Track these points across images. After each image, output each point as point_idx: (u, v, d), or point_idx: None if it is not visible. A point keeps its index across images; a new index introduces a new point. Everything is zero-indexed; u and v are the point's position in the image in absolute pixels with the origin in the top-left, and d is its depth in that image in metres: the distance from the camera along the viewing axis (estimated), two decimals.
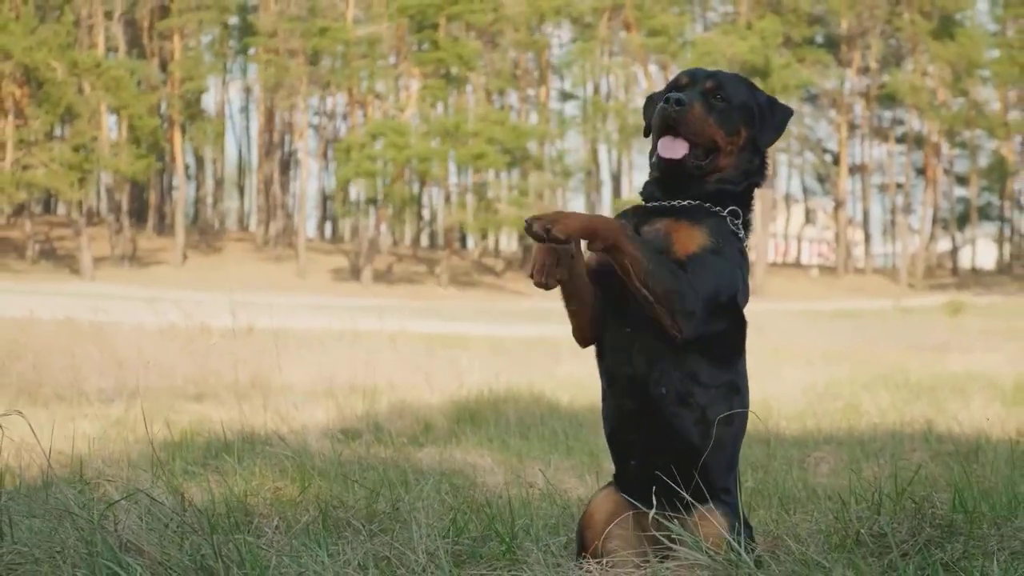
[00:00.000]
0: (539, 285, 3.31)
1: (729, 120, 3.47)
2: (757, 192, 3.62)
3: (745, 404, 3.47)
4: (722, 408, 3.37)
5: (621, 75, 73.95)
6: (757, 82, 3.69)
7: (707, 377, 3.36)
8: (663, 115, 3.42)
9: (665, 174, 3.49)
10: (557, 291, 3.38)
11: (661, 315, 3.26)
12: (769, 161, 3.66)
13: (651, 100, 3.69)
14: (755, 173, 3.57)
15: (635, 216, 3.51)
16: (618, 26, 72.44)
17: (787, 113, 3.64)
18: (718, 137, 3.46)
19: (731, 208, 3.49)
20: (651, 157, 3.56)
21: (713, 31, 71.71)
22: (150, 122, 64.51)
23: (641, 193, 3.60)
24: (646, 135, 3.63)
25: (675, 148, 3.42)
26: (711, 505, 3.36)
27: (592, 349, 3.53)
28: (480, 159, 64.97)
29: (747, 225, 3.54)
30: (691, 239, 3.36)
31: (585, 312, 3.43)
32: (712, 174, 3.48)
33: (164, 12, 70.75)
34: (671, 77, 3.67)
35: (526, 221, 3.27)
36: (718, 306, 3.34)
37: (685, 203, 3.45)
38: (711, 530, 3.31)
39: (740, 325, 3.47)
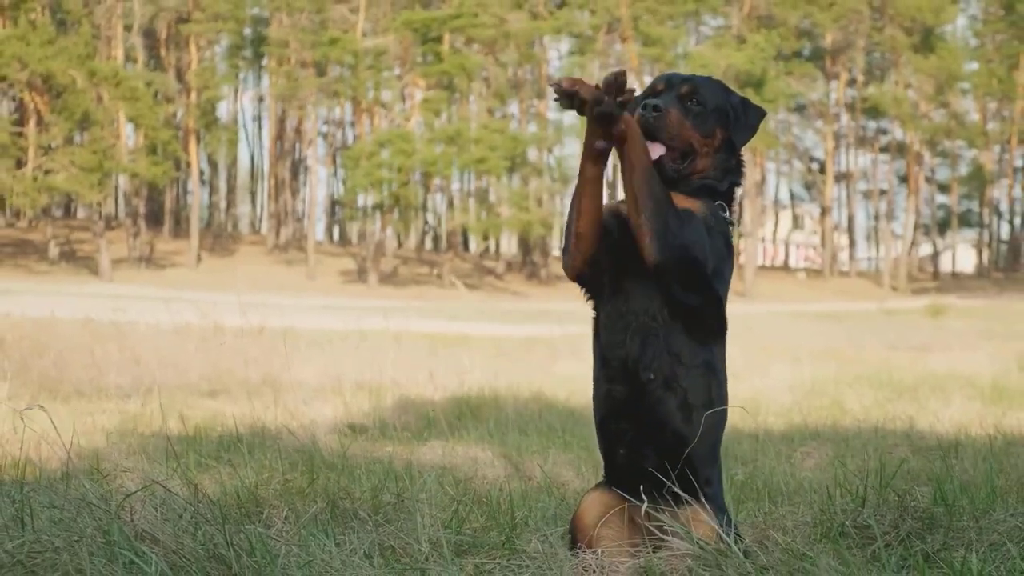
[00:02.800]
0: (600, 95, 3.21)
1: (705, 123, 3.46)
2: (748, 201, 3.62)
3: (723, 386, 3.45)
4: (702, 391, 3.35)
5: None
6: (751, 93, 3.68)
7: (688, 357, 3.34)
8: (641, 122, 3.40)
9: None
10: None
11: (642, 229, 3.24)
12: (745, 160, 3.66)
13: None
14: (733, 172, 3.56)
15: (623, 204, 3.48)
16: (614, 39, 72.39)
17: (760, 113, 3.63)
18: (694, 140, 3.44)
19: (718, 202, 3.49)
20: None
21: (705, 44, 71.66)
22: (165, 134, 64.46)
23: None
24: None
25: (652, 150, 3.39)
26: (700, 499, 3.35)
27: (590, 348, 3.52)
28: (481, 163, 64.94)
29: (727, 211, 3.53)
30: (686, 202, 3.37)
31: (587, 241, 3.37)
32: (692, 176, 3.46)
33: (183, 22, 70.74)
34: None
35: (557, 83, 3.19)
36: (692, 264, 3.30)
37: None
38: (699, 523, 3.30)
39: (719, 306, 3.42)
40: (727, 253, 3.44)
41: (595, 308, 3.49)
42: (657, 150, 3.40)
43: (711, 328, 3.41)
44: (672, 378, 3.32)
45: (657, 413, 3.33)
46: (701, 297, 3.35)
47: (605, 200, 3.42)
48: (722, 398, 3.44)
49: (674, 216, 3.26)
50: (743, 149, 3.61)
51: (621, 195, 3.38)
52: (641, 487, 3.34)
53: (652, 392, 3.32)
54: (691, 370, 3.34)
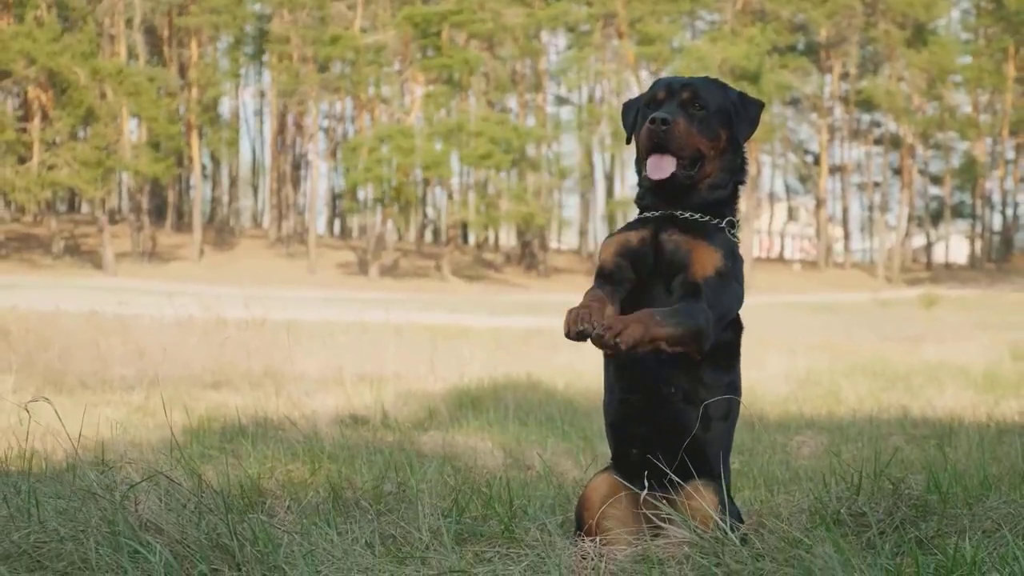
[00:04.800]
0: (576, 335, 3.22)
1: (709, 127, 3.48)
2: (744, 194, 3.64)
3: (740, 395, 3.54)
4: (722, 405, 3.42)
5: (614, 81, 73.84)
6: (747, 86, 3.69)
7: (710, 379, 3.41)
8: (651, 135, 3.42)
9: (657, 190, 3.49)
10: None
11: (685, 349, 3.30)
12: (748, 159, 3.68)
13: (628, 107, 3.70)
14: (738, 171, 3.59)
15: (645, 226, 3.50)
16: (611, 34, 72.27)
17: (759, 106, 3.65)
18: (702, 146, 3.46)
19: (728, 219, 3.51)
20: (638, 170, 3.56)
21: (701, 39, 71.58)
22: (169, 128, 64.38)
23: (637, 202, 3.59)
24: (628, 143, 3.65)
25: (663, 167, 3.41)
26: (700, 481, 3.38)
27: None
28: (486, 158, 64.81)
29: (736, 226, 3.58)
30: (709, 260, 3.38)
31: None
32: (702, 180, 3.48)
33: (182, 15, 70.57)
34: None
35: (600, 336, 3.15)
36: (724, 322, 3.41)
37: (689, 215, 3.46)
38: (699, 505, 3.33)
39: (739, 331, 3.53)
40: (742, 278, 3.50)
41: None
42: (669, 164, 3.42)
43: (733, 352, 3.51)
44: (693, 393, 3.38)
45: (677, 422, 3.39)
46: (728, 332, 3.46)
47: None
48: (738, 407, 3.53)
49: (703, 320, 3.29)
50: (744, 145, 3.62)
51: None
52: (652, 479, 3.38)
53: (673, 403, 3.38)
54: (713, 389, 3.41)
